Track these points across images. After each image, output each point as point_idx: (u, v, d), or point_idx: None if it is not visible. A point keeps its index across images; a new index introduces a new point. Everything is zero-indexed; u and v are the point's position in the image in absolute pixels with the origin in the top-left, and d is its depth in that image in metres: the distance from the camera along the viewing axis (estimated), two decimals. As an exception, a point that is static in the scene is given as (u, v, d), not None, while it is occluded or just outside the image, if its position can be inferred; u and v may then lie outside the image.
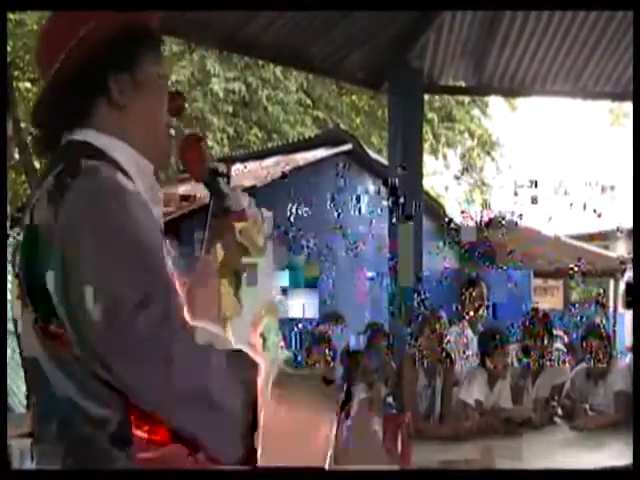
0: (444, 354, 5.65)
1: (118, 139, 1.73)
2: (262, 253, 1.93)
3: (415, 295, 7.40)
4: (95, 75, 1.72)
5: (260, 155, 13.14)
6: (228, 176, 1.92)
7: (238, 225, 1.90)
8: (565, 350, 6.50)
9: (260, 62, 14.22)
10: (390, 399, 4.15)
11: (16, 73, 16.35)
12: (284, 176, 9.87)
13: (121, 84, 1.73)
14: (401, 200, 7.31)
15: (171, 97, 1.86)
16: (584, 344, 5.81)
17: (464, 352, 6.26)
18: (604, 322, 7.30)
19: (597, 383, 5.74)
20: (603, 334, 5.83)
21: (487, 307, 6.58)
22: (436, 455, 4.52)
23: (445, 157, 21.06)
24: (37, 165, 18.51)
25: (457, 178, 22.04)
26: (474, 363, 5.91)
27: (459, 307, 6.58)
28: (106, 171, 1.62)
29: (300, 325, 6.05)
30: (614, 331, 10.53)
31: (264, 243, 1.93)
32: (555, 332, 6.35)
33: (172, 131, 1.86)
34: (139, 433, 1.54)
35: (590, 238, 15.97)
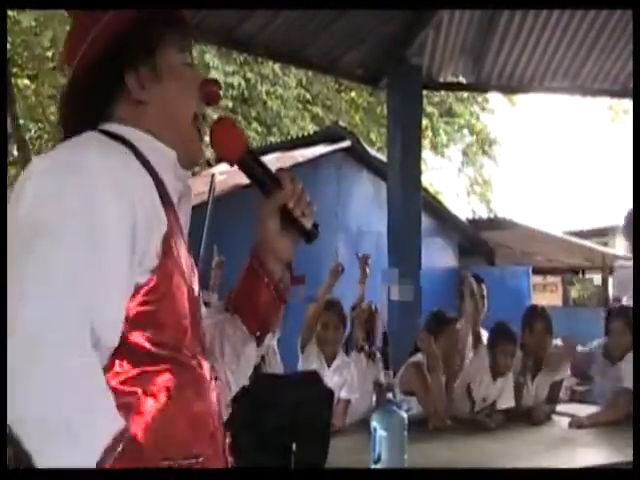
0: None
1: (140, 130, 1.66)
2: (312, 239, 1.81)
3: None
4: (110, 73, 1.65)
5: (259, 151, 13.12)
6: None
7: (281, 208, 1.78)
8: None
9: (259, 58, 14.22)
10: (390, 394, 4.13)
11: (14, 70, 16.34)
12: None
13: (140, 79, 1.66)
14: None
15: (204, 84, 1.77)
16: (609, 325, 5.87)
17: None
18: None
19: (615, 363, 5.78)
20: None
21: (486, 305, 6.56)
22: (441, 453, 4.52)
23: (443, 154, 21.06)
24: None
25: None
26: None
27: (459, 305, 6.56)
28: (100, 144, 1.55)
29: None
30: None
31: (311, 228, 1.80)
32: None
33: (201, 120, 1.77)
34: None
35: (589, 234, 16.00)
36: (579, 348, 6.08)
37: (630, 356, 5.58)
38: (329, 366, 5.33)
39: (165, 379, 1.52)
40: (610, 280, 14.19)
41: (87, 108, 1.66)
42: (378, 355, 5.77)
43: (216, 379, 1.75)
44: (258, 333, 1.87)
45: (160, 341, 1.52)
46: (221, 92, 1.81)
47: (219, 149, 1.77)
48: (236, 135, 1.78)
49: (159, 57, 1.68)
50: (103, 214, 1.43)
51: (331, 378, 5.14)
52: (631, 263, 8.90)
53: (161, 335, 1.53)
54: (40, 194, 1.44)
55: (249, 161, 1.78)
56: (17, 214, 1.44)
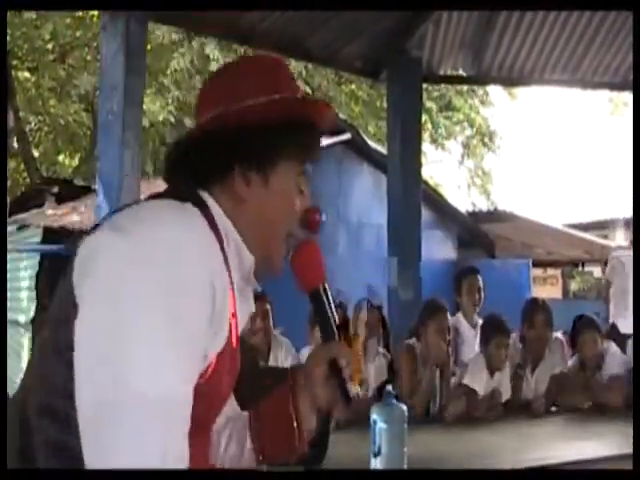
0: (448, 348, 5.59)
1: (230, 222, 1.60)
2: (347, 404, 1.73)
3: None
4: (223, 159, 1.59)
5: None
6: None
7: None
8: (564, 340, 6.49)
9: (259, 51, 14.19)
10: (390, 387, 4.14)
11: (15, 62, 16.32)
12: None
13: (248, 179, 1.60)
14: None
15: (308, 211, 1.71)
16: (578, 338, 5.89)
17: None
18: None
19: (594, 375, 5.81)
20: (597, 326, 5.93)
21: (483, 298, 6.56)
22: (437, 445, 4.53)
23: (443, 147, 21.03)
24: (36, 154, 18.58)
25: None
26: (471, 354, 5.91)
27: (456, 297, 6.57)
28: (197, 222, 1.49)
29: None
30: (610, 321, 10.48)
31: (361, 377, 1.76)
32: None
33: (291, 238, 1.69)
34: None
35: (589, 227, 16.01)
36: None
37: (608, 365, 5.73)
38: None
39: None
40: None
41: (193, 171, 1.60)
42: (382, 350, 5.76)
43: None
44: (260, 457, 1.82)
45: None
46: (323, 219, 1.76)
47: (298, 273, 1.71)
48: (319, 265, 1.73)
49: (276, 168, 1.63)
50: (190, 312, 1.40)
51: None
52: (624, 252, 9.02)
53: None
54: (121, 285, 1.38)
55: (322, 297, 1.72)
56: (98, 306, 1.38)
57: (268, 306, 5.57)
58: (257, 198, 1.61)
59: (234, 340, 1.57)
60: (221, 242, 1.53)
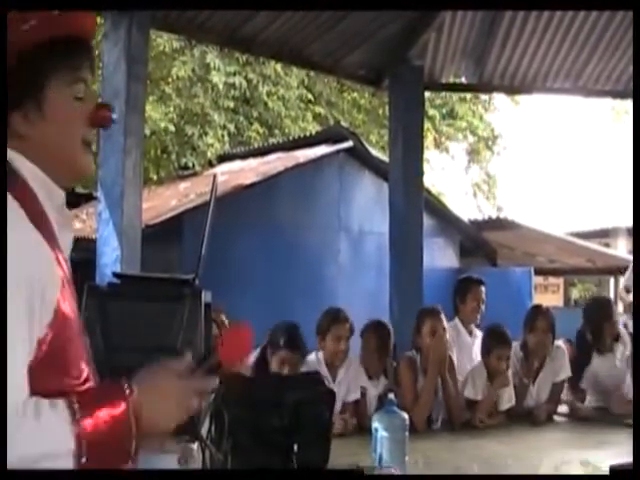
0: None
1: (27, 160, 1.62)
2: None
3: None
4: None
5: (261, 152, 13.15)
6: None
7: None
8: (566, 347, 6.48)
9: (261, 59, 14.21)
10: (392, 395, 4.12)
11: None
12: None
13: (25, 114, 1.61)
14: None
15: (95, 112, 1.72)
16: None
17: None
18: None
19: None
20: None
21: (483, 309, 6.55)
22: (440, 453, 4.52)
23: (447, 150, 21.00)
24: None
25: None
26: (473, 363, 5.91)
27: (458, 303, 6.54)
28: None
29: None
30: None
31: None
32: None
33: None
34: None
35: (591, 235, 15.98)
36: None
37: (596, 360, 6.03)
38: (335, 377, 5.26)
39: None
40: (610, 282, 14.19)
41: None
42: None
43: None
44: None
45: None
46: (111, 115, 1.76)
47: (223, 355, 1.72)
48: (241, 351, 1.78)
49: (44, 94, 1.63)
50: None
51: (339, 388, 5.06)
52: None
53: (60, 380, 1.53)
54: None
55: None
56: None
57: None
58: (39, 131, 1.62)
59: (66, 270, 1.60)
60: (28, 197, 1.57)
